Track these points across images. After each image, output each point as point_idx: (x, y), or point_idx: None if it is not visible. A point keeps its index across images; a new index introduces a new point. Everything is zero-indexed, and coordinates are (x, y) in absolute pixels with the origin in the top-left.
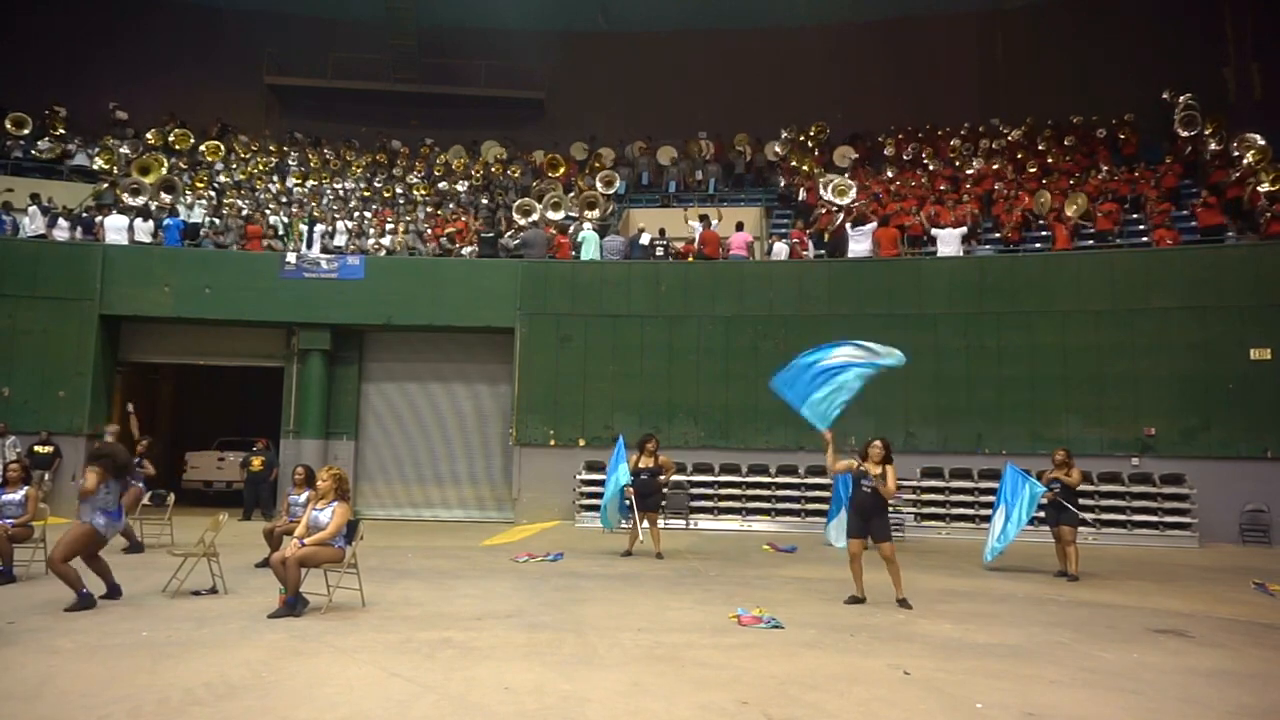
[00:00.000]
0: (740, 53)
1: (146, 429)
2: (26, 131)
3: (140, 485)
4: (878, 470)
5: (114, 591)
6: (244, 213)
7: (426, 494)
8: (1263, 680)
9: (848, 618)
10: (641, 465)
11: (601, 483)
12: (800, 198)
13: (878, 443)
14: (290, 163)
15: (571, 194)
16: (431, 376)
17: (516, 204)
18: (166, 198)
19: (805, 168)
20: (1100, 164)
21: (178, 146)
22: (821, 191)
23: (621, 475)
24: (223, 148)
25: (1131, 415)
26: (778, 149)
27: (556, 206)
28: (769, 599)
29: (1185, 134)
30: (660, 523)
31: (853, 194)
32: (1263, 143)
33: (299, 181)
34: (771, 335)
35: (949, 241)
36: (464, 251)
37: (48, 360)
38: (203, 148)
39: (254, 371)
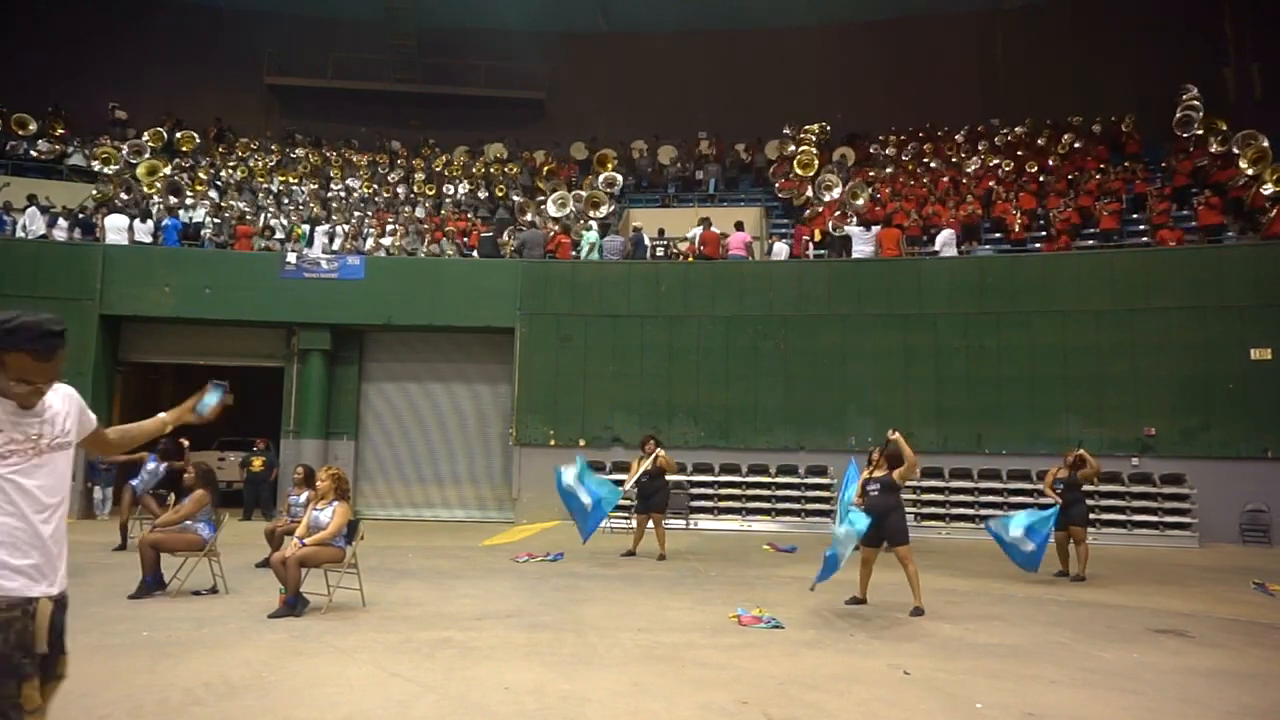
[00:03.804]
0: (740, 53)
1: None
2: (33, 129)
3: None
4: (882, 471)
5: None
6: (244, 214)
7: (426, 494)
8: (1263, 680)
9: (848, 618)
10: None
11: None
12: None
13: (876, 451)
14: (292, 162)
15: (573, 193)
16: (431, 376)
17: (518, 204)
18: (173, 200)
19: (801, 170)
20: (1100, 163)
21: (184, 148)
22: (810, 191)
23: (608, 496)
24: (221, 149)
25: (1131, 415)
26: (772, 146)
27: (562, 204)
28: (769, 599)
29: (1182, 134)
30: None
31: (838, 191)
32: (1265, 144)
33: (299, 182)
34: (771, 335)
35: (943, 242)
36: (473, 252)
37: None
38: (197, 139)
39: (254, 371)
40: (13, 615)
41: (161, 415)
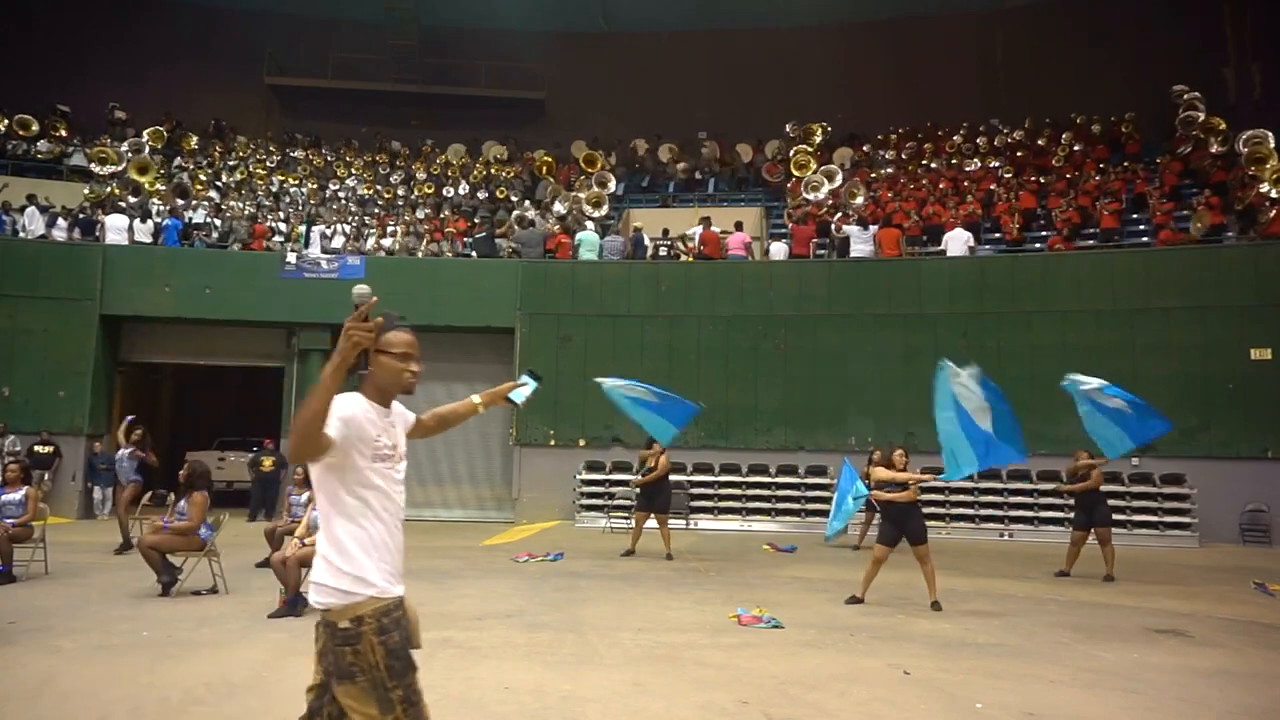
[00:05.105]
0: (740, 53)
1: (147, 428)
2: (36, 130)
3: (139, 480)
4: (904, 477)
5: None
6: (246, 213)
7: (427, 494)
8: (1263, 680)
9: (848, 618)
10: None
11: (600, 483)
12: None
13: (901, 450)
14: (292, 162)
15: (572, 194)
16: (431, 376)
17: (517, 206)
18: (180, 201)
19: (796, 171)
20: (1099, 163)
21: (185, 148)
22: (803, 192)
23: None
24: (219, 146)
25: None
26: (772, 145)
27: (565, 202)
28: (769, 599)
29: (1182, 133)
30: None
31: (826, 190)
32: (1272, 144)
33: (298, 183)
34: (771, 335)
35: (957, 241)
36: (471, 252)
37: (48, 360)
38: (195, 141)
39: (254, 371)
40: (400, 615)
41: (473, 397)
